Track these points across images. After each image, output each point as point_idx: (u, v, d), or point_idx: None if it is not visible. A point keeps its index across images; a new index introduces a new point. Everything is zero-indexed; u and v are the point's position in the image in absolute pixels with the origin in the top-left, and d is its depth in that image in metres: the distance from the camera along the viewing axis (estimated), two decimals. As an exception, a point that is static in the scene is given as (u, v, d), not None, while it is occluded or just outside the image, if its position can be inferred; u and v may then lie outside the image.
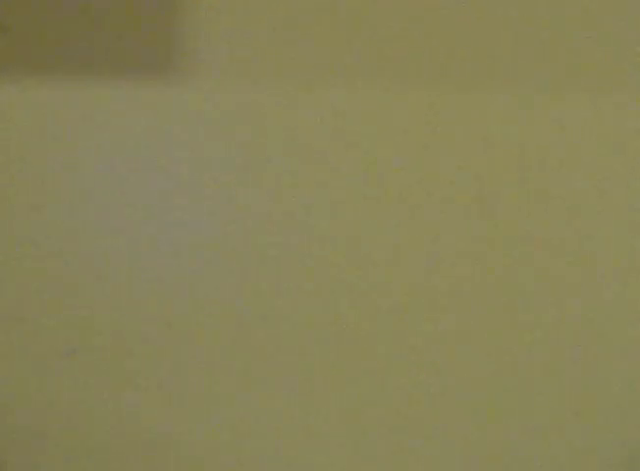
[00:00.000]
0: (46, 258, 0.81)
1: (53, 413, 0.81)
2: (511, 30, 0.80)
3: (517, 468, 0.79)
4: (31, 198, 0.81)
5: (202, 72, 0.81)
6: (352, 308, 0.80)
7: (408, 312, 0.80)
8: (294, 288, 0.80)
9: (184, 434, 0.80)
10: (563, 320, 0.79)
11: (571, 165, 0.79)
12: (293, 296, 0.80)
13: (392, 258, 0.80)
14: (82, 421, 0.81)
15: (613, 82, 0.79)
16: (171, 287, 0.81)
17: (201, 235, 0.81)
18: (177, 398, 0.81)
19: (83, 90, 0.81)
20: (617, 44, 0.79)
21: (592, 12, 0.79)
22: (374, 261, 0.80)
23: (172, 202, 0.81)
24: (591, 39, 0.79)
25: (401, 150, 0.80)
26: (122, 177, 0.81)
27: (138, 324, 0.81)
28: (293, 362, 0.80)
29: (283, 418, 0.80)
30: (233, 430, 0.80)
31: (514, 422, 0.79)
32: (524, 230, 0.79)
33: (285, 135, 0.81)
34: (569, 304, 0.79)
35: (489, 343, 0.79)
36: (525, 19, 0.80)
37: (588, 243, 0.79)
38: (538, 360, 0.79)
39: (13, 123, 0.82)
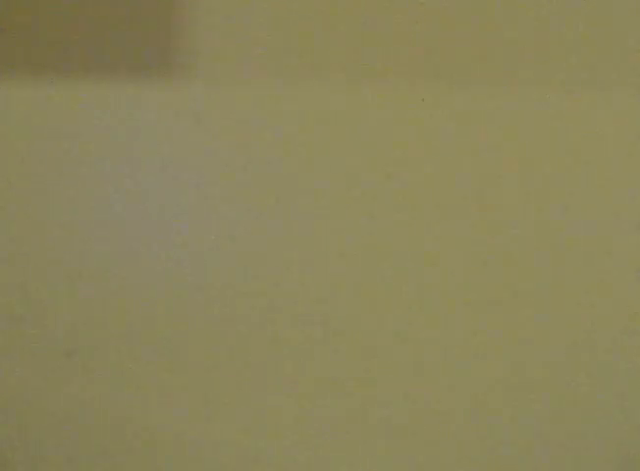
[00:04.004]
0: (46, 258, 0.81)
1: (53, 413, 0.81)
2: (512, 30, 0.80)
3: (517, 469, 0.79)
4: (31, 198, 0.81)
5: (202, 72, 0.81)
6: (354, 308, 0.80)
7: (408, 312, 0.80)
8: (295, 288, 0.80)
9: (184, 433, 0.80)
10: (564, 321, 0.79)
11: (572, 164, 0.79)
12: (294, 296, 0.80)
13: (391, 258, 0.80)
14: (82, 421, 0.81)
15: (614, 82, 0.79)
16: (171, 287, 0.81)
17: (202, 234, 0.81)
18: (177, 398, 0.81)
19: (83, 90, 0.81)
20: (618, 44, 0.79)
21: (592, 11, 0.80)
22: (374, 260, 0.80)
23: (172, 202, 0.81)
24: (592, 38, 0.80)
25: (402, 150, 0.80)
26: (122, 176, 0.81)
27: (139, 324, 0.81)
28: (294, 362, 0.80)
29: (283, 418, 0.80)
30: (233, 430, 0.80)
31: (514, 422, 0.79)
32: (525, 230, 0.79)
33: (285, 135, 0.81)
34: (570, 305, 0.79)
35: (489, 344, 0.79)
36: (524, 18, 0.80)
37: (590, 244, 0.79)
38: (537, 361, 0.79)
39: (13, 123, 0.82)
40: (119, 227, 0.81)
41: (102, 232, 0.81)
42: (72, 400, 0.81)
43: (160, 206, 0.81)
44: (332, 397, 0.80)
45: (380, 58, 0.80)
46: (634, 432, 0.78)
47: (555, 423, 0.79)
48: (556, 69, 0.80)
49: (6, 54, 0.82)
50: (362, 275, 0.80)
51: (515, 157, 0.80)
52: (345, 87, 0.80)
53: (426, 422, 0.80)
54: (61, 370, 0.81)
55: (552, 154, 0.80)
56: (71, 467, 0.81)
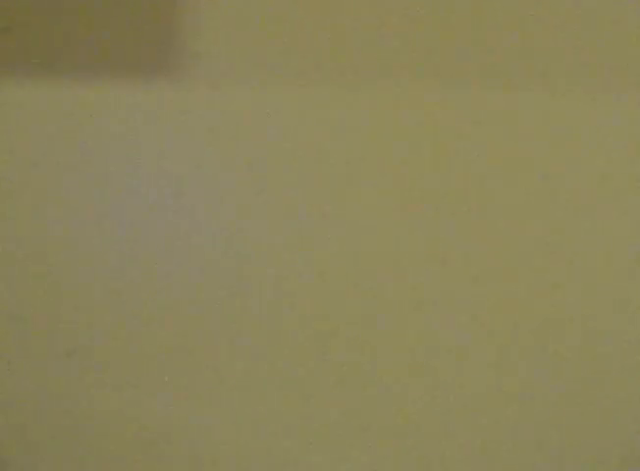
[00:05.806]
0: (46, 258, 0.81)
1: (53, 413, 0.81)
2: (511, 31, 0.80)
3: (516, 468, 0.79)
4: (31, 198, 0.82)
5: (202, 72, 0.81)
6: (353, 308, 0.80)
7: (407, 313, 0.80)
8: (295, 289, 0.80)
9: (184, 433, 0.80)
10: (563, 320, 0.79)
11: (571, 165, 0.79)
12: (294, 297, 0.80)
13: (391, 259, 0.80)
14: (82, 421, 0.81)
15: (613, 82, 0.79)
16: (170, 287, 0.81)
17: (201, 234, 0.81)
18: (177, 398, 0.81)
19: (84, 90, 0.81)
20: (618, 44, 0.79)
21: (593, 11, 0.80)
22: (373, 261, 0.80)
23: (171, 202, 0.81)
24: (592, 39, 0.79)
25: (401, 150, 0.80)
26: (122, 177, 0.81)
27: (138, 324, 0.81)
28: (294, 362, 0.80)
29: (283, 418, 0.80)
30: (233, 429, 0.80)
31: (514, 423, 0.79)
32: (524, 230, 0.79)
33: (285, 135, 0.81)
34: (569, 305, 0.79)
35: (488, 344, 0.79)
36: (523, 18, 0.80)
37: (588, 244, 0.79)
38: (537, 361, 0.79)
39: (13, 123, 0.82)
40: (119, 226, 0.81)
41: (102, 231, 0.81)
42: (72, 400, 0.81)
43: (160, 205, 0.81)
44: (332, 398, 0.80)
45: (380, 58, 0.80)
46: (634, 432, 0.78)
47: (555, 423, 0.79)
48: (555, 69, 0.80)
49: (6, 54, 0.82)
50: (361, 274, 0.80)
51: (515, 156, 0.80)
52: (345, 87, 0.80)
53: (426, 422, 0.79)
54: (61, 370, 0.81)
55: (551, 153, 0.80)
56: (71, 467, 0.81)
